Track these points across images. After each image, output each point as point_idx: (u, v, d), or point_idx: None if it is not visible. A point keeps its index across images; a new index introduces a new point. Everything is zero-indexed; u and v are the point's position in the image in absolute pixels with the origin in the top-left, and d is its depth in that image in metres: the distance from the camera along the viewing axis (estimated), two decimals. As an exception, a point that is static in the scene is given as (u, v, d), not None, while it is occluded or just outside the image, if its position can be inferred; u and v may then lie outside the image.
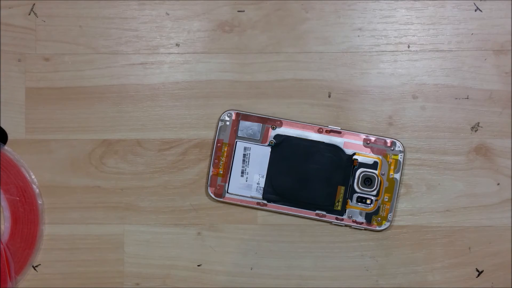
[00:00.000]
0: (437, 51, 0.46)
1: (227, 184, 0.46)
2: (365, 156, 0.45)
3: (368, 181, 0.45)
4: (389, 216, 0.45)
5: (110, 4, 0.47)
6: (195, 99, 0.47)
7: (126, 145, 0.47)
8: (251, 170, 0.46)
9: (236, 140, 0.46)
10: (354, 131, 0.45)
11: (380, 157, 0.45)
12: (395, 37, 0.46)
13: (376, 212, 0.45)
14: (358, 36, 0.47)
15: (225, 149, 0.46)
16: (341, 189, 0.45)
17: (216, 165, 0.46)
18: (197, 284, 0.46)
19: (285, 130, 0.45)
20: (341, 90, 0.46)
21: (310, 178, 0.45)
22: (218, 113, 0.46)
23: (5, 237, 0.47)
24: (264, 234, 0.46)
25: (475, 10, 0.46)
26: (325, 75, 0.46)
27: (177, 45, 0.47)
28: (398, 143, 0.45)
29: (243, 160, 0.46)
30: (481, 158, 0.46)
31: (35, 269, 0.47)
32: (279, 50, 0.47)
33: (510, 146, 0.46)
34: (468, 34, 0.46)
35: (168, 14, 0.47)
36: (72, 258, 0.47)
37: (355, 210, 0.45)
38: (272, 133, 0.46)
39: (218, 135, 0.46)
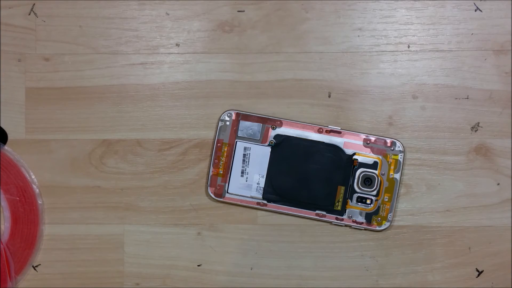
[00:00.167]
0: (437, 51, 0.46)
1: (227, 184, 0.46)
2: (365, 156, 0.45)
3: (368, 181, 0.45)
4: (389, 216, 0.45)
5: (110, 4, 0.47)
6: (195, 99, 0.47)
7: (126, 145, 0.47)
8: (251, 170, 0.46)
9: (236, 140, 0.46)
10: (354, 131, 0.45)
11: (380, 157, 0.45)
12: (395, 37, 0.46)
13: (376, 212, 0.45)
14: (358, 36, 0.47)
15: (225, 149, 0.46)
16: (341, 189, 0.45)
17: (216, 165, 0.46)
18: (197, 284, 0.46)
19: (285, 130, 0.45)
20: (341, 90, 0.46)
21: (310, 178, 0.45)
22: (218, 113, 0.46)
23: (5, 237, 0.47)
24: (264, 234, 0.46)
25: (475, 10, 0.46)
26: (325, 75, 0.46)
27: (177, 45, 0.47)
28: (398, 143, 0.45)
29: (243, 160, 0.46)
30: (481, 158, 0.46)
31: (35, 269, 0.47)
32: (279, 50, 0.47)
33: (510, 146, 0.46)
34: (468, 34, 0.46)
35: (168, 14, 0.47)
36: (72, 258, 0.47)
37: (355, 210, 0.45)
38: (272, 133, 0.46)
39: (218, 135, 0.46)
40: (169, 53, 0.47)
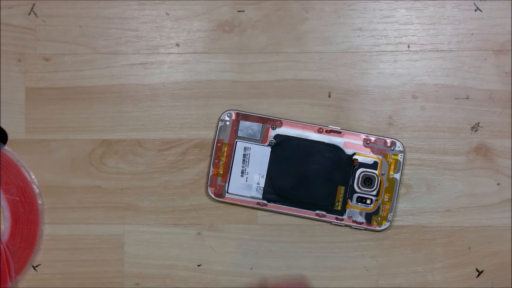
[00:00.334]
0: (437, 51, 0.46)
1: (227, 184, 0.46)
2: (365, 156, 0.45)
3: (368, 181, 0.45)
4: (389, 216, 0.45)
5: (110, 4, 0.47)
6: (195, 99, 0.47)
7: (126, 145, 0.47)
8: (251, 170, 0.46)
9: (236, 140, 0.46)
10: (354, 131, 0.45)
11: (380, 157, 0.45)
12: (395, 37, 0.46)
13: (376, 212, 0.45)
14: (358, 36, 0.47)
15: (225, 149, 0.46)
16: (341, 189, 0.45)
17: (216, 165, 0.46)
18: (197, 284, 0.46)
19: (285, 130, 0.45)
20: (341, 90, 0.46)
21: (310, 178, 0.45)
22: (218, 113, 0.46)
23: (5, 237, 0.47)
24: (264, 234, 0.46)
25: (475, 10, 0.46)
26: (325, 75, 0.46)
27: (177, 45, 0.47)
28: (398, 143, 0.45)
29: (243, 160, 0.46)
30: (481, 158, 0.46)
31: (35, 269, 0.47)
32: (279, 50, 0.47)
33: (510, 146, 0.46)
34: (468, 34, 0.46)
35: (168, 14, 0.47)
36: (72, 258, 0.47)
37: (355, 210, 0.45)
38: (272, 133, 0.46)
39: (218, 135, 0.46)
40: (169, 53, 0.47)
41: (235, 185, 0.46)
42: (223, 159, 0.46)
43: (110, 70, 0.47)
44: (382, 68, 0.46)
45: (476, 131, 0.46)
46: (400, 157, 0.45)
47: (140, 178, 0.47)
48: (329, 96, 0.46)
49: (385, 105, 0.46)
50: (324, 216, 0.45)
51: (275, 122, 0.46)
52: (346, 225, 0.45)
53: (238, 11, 0.47)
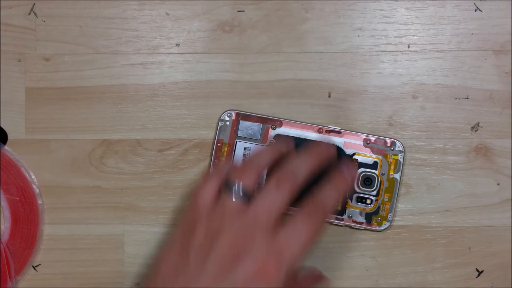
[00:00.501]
0: (437, 51, 0.46)
1: (227, 184, 0.46)
2: (365, 156, 0.45)
3: (368, 181, 0.45)
4: (389, 216, 0.45)
5: (110, 4, 0.47)
6: (195, 99, 0.47)
7: (126, 145, 0.47)
8: None
9: (236, 140, 0.46)
10: (354, 131, 0.45)
11: (380, 157, 0.45)
12: (395, 37, 0.46)
13: (376, 212, 0.45)
14: (358, 36, 0.47)
15: (225, 149, 0.46)
16: None
17: (216, 165, 0.46)
18: (197, 284, 0.46)
19: (285, 130, 0.45)
20: (341, 90, 0.46)
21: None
22: (218, 113, 0.46)
23: (5, 237, 0.47)
24: (264, 234, 0.46)
25: (475, 10, 0.46)
26: (325, 75, 0.46)
27: (177, 45, 0.47)
28: (398, 143, 0.45)
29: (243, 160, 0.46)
30: (481, 158, 0.46)
31: (35, 269, 0.47)
32: (279, 50, 0.47)
33: (510, 146, 0.46)
34: (468, 34, 0.46)
35: (168, 14, 0.47)
36: (72, 258, 0.47)
37: (355, 210, 0.45)
38: (272, 133, 0.46)
39: (218, 135, 0.46)
40: (169, 53, 0.47)
41: (235, 185, 0.46)
42: (223, 159, 0.46)
43: (110, 70, 0.47)
44: (382, 68, 0.46)
45: (476, 131, 0.46)
46: (400, 157, 0.45)
47: (140, 178, 0.47)
48: (329, 96, 0.46)
49: (385, 105, 0.46)
50: None
51: (275, 122, 0.46)
52: (346, 225, 0.45)
53: (238, 11, 0.47)
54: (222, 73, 0.47)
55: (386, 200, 0.45)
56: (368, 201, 0.45)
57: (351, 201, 0.45)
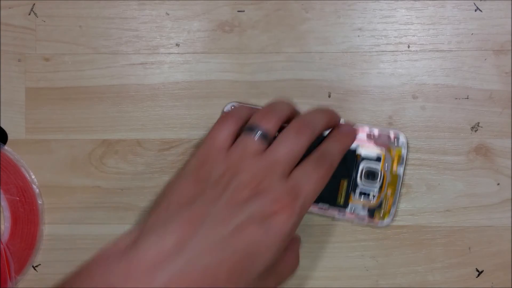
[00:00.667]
0: (437, 51, 0.46)
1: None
2: (368, 150, 0.45)
3: (371, 175, 0.45)
4: (392, 210, 0.45)
5: (110, 4, 0.47)
6: (195, 99, 0.47)
7: (126, 145, 0.47)
8: None
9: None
10: (358, 124, 0.45)
11: (384, 151, 0.45)
12: (395, 37, 0.47)
13: (379, 206, 0.45)
14: (358, 36, 0.47)
15: None
16: (344, 183, 0.45)
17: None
18: (197, 284, 0.46)
19: None
20: (341, 90, 0.46)
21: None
22: (218, 113, 0.46)
23: (5, 237, 0.47)
24: (264, 234, 0.46)
25: (475, 10, 0.46)
26: (325, 75, 0.46)
27: (177, 45, 0.47)
28: (401, 137, 0.45)
29: None
30: (481, 158, 0.46)
31: (35, 269, 0.47)
32: (279, 50, 0.47)
33: (510, 146, 0.46)
34: (468, 34, 0.46)
35: (168, 14, 0.47)
36: (72, 258, 0.47)
37: (357, 204, 0.45)
38: None
39: None
40: (169, 53, 0.47)
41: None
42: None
43: (110, 70, 0.47)
44: (382, 68, 0.46)
45: (476, 131, 0.46)
46: (403, 151, 0.45)
47: (140, 178, 0.47)
48: (329, 96, 0.46)
49: (385, 105, 0.46)
50: (326, 209, 0.45)
51: None
52: (348, 220, 0.45)
53: (238, 11, 0.47)
54: (222, 73, 0.47)
55: (389, 194, 0.45)
56: (371, 195, 0.45)
57: (354, 195, 0.45)
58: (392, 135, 0.45)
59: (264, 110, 0.40)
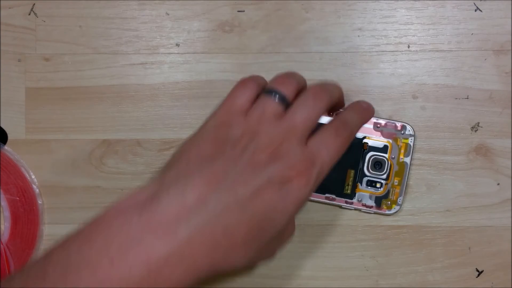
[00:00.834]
0: (437, 51, 0.46)
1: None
2: (375, 140, 0.45)
3: (378, 164, 0.45)
4: (399, 200, 0.45)
5: (110, 4, 0.47)
6: (195, 99, 0.47)
7: (126, 145, 0.47)
8: None
9: None
10: None
11: (391, 140, 0.45)
12: (395, 37, 0.46)
13: (386, 195, 0.45)
14: (358, 36, 0.47)
15: None
16: (351, 173, 0.45)
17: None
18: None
19: None
20: (341, 90, 0.46)
21: None
22: (218, 113, 0.46)
23: (5, 237, 0.47)
24: (264, 234, 0.46)
25: (475, 10, 0.46)
26: (325, 75, 0.46)
27: (177, 45, 0.47)
28: (408, 127, 0.44)
29: None
30: (481, 158, 0.46)
31: (35, 269, 0.47)
32: (279, 50, 0.47)
33: (510, 146, 0.46)
34: (468, 34, 0.46)
35: (168, 14, 0.47)
36: (72, 258, 0.47)
37: (364, 194, 0.45)
38: None
39: None
40: (169, 53, 0.47)
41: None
42: None
43: (110, 70, 0.47)
44: (382, 68, 0.46)
45: (476, 131, 0.46)
46: (410, 140, 0.45)
47: (140, 178, 0.47)
48: (329, 96, 0.46)
49: (385, 105, 0.46)
50: (333, 199, 0.45)
51: None
52: (356, 209, 0.45)
53: (238, 11, 0.47)
54: (222, 73, 0.47)
55: (396, 184, 0.45)
56: (378, 185, 0.45)
57: (361, 185, 0.45)
58: (399, 126, 0.45)
59: (283, 76, 0.40)
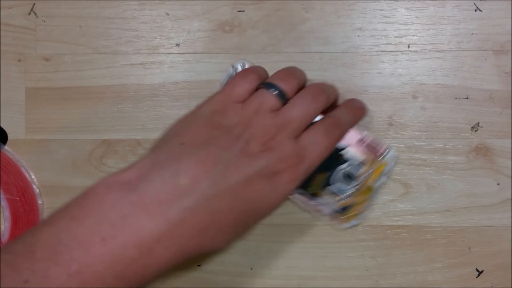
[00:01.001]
0: (437, 51, 0.46)
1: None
2: (354, 153, 0.44)
3: (347, 178, 0.44)
4: (353, 219, 0.44)
5: (110, 4, 0.47)
6: (195, 99, 0.47)
7: (126, 145, 0.47)
8: None
9: None
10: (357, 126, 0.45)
11: (368, 160, 0.44)
12: (395, 37, 0.47)
13: (344, 210, 0.44)
14: (358, 36, 0.47)
15: None
16: (320, 176, 0.44)
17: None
18: (197, 284, 0.46)
19: None
20: (341, 90, 0.46)
21: None
22: (218, 113, 0.46)
23: (5, 237, 0.47)
24: (264, 234, 0.46)
25: (475, 10, 0.46)
26: (325, 75, 0.46)
27: (177, 45, 0.47)
28: (391, 153, 0.44)
29: None
30: (481, 158, 0.46)
31: (35, 269, 0.47)
32: (279, 50, 0.47)
33: (510, 146, 0.46)
34: (468, 34, 0.46)
35: (168, 14, 0.47)
36: (72, 258, 0.47)
37: (325, 200, 0.44)
38: None
39: (223, 79, 0.45)
40: (169, 53, 0.47)
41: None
42: None
43: (110, 70, 0.47)
44: (382, 68, 0.46)
45: (476, 131, 0.46)
46: (387, 167, 0.44)
47: (140, 178, 0.47)
48: (329, 96, 0.46)
49: (385, 105, 0.46)
50: (294, 193, 0.44)
51: None
52: (310, 210, 0.45)
53: (238, 11, 0.47)
54: (222, 73, 0.47)
55: (357, 202, 0.44)
56: (340, 198, 0.44)
57: (325, 191, 0.44)
58: (382, 148, 0.44)
59: (284, 71, 0.41)
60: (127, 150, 0.47)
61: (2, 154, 0.47)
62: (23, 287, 0.30)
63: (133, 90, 0.47)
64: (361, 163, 0.44)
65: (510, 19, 0.46)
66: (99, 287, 0.31)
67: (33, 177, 0.47)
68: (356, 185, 0.44)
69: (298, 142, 0.38)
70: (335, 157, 0.44)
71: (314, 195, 0.44)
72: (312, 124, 0.40)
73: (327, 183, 0.44)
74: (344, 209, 0.44)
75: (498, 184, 0.46)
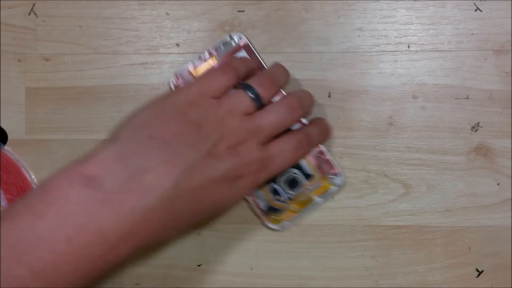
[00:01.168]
0: (437, 51, 0.46)
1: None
2: (307, 163, 0.44)
3: (292, 183, 0.44)
4: (284, 222, 0.45)
5: (110, 4, 0.47)
6: (195, 99, 0.47)
7: (126, 145, 0.47)
8: None
9: None
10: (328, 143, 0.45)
11: (318, 175, 0.44)
12: (395, 37, 0.47)
13: (279, 211, 0.44)
14: (358, 36, 0.47)
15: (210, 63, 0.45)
16: None
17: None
18: (197, 284, 0.46)
19: None
20: (341, 90, 0.46)
21: None
22: (218, 113, 0.46)
23: (5, 237, 0.47)
24: (264, 234, 0.46)
25: (475, 10, 0.46)
26: (325, 75, 0.46)
27: (177, 45, 0.47)
28: (340, 178, 0.45)
29: None
30: (481, 158, 0.46)
31: (35, 269, 0.47)
32: (279, 50, 0.47)
33: (510, 146, 0.46)
34: (468, 34, 0.46)
35: (168, 14, 0.47)
36: (72, 258, 0.47)
37: (263, 196, 0.44)
38: None
39: (216, 46, 0.45)
40: (169, 53, 0.47)
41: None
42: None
43: (110, 70, 0.47)
44: (382, 68, 0.46)
45: (476, 131, 0.46)
46: (332, 188, 0.45)
47: (140, 178, 0.47)
48: (329, 96, 0.46)
49: (385, 105, 0.46)
50: None
51: None
52: (248, 203, 0.45)
53: (238, 11, 0.47)
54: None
55: (293, 209, 0.45)
56: (279, 198, 0.44)
57: (267, 187, 0.44)
58: (334, 170, 0.44)
59: (267, 77, 0.41)
60: (127, 150, 0.47)
61: (2, 154, 0.47)
62: None
63: (133, 90, 0.47)
64: (310, 175, 0.44)
65: (510, 19, 0.46)
66: (62, 286, 0.31)
67: (33, 177, 0.47)
68: (297, 193, 0.45)
69: (265, 150, 0.39)
70: None
71: (255, 187, 0.44)
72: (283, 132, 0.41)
73: (273, 179, 0.44)
74: (276, 210, 0.45)
75: (498, 184, 0.46)
